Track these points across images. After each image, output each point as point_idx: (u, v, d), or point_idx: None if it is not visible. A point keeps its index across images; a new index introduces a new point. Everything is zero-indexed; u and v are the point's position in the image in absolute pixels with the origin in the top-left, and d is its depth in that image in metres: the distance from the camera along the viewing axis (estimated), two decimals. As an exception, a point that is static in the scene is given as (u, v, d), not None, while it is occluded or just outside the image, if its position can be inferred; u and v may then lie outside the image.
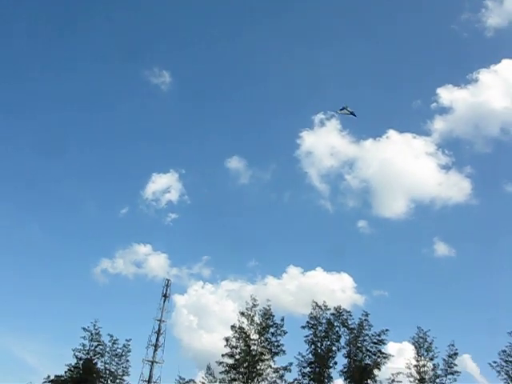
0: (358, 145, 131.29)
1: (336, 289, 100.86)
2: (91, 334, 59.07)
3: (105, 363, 58.79)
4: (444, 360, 52.74)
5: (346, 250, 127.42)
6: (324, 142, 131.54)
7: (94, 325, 59.34)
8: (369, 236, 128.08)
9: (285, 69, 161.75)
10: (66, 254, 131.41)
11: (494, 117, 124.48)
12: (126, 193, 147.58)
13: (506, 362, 50.81)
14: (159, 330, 79.20)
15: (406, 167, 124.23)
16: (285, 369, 55.85)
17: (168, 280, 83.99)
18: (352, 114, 57.58)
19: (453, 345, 53.39)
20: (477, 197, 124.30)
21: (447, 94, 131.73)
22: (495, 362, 51.55)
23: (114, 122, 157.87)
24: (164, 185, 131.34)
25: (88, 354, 58.51)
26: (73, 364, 58.76)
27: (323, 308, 58.22)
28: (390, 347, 57.96)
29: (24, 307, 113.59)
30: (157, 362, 78.09)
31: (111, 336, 59.70)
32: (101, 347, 58.91)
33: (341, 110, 56.40)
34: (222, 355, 56.59)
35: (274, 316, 58.24)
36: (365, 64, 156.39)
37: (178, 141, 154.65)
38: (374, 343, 55.43)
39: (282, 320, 58.41)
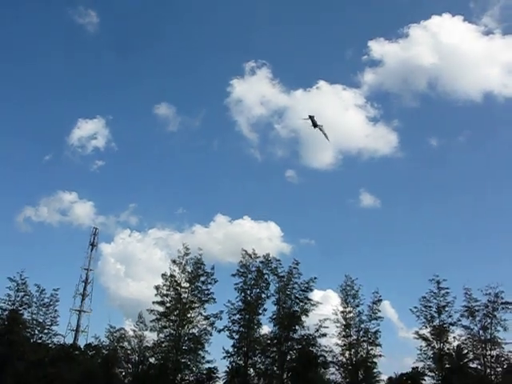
0: (288, 94, 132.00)
1: (263, 237, 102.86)
2: (17, 284, 57.50)
3: (32, 313, 57.58)
4: (368, 306, 55.01)
5: (273, 199, 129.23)
6: (254, 91, 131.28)
7: (21, 275, 57.75)
8: (296, 186, 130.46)
9: (217, 14, 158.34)
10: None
11: (422, 72, 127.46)
12: (51, 139, 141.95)
13: (425, 307, 53.64)
14: (87, 279, 78.46)
15: (335, 118, 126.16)
16: (215, 316, 56.57)
17: (95, 228, 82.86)
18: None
19: (377, 292, 55.68)
20: (403, 149, 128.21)
21: (378, 47, 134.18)
22: (416, 307, 54.40)
23: (37, 65, 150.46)
24: (90, 131, 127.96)
25: (14, 304, 57.12)
26: (-3, 315, 57.23)
27: (253, 256, 58.79)
28: (315, 295, 59.72)
29: None
30: (84, 312, 77.84)
31: (38, 286, 58.45)
32: (27, 297, 57.58)
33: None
34: (153, 303, 56.71)
35: (205, 265, 58.76)
36: (297, 13, 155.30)
37: (105, 86, 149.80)
38: (303, 291, 56.86)
39: (213, 268, 59.07)
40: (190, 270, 58.17)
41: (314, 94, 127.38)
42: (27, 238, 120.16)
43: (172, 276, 57.60)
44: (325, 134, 52.82)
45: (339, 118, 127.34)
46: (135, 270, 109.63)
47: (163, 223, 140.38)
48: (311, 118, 51.66)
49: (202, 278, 58.10)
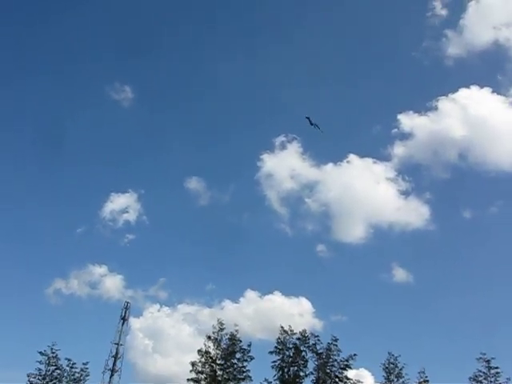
0: (318, 168, 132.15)
1: (294, 313, 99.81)
2: (48, 357, 56.07)
3: (62, 389, 55.92)
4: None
5: (304, 275, 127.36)
6: (284, 165, 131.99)
7: (52, 348, 56.26)
8: (328, 260, 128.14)
9: (246, 90, 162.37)
10: (18, 274, 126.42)
11: (452, 144, 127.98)
12: (83, 212, 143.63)
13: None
14: (117, 353, 76.27)
15: (366, 192, 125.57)
16: (252, 395, 54.57)
17: (127, 302, 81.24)
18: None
19: (423, 372, 53.17)
20: (435, 222, 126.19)
21: (407, 120, 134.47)
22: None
23: (72, 139, 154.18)
24: (122, 205, 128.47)
25: (44, 379, 55.34)
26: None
27: (289, 333, 57.22)
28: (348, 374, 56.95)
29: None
30: (113, 388, 75.18)
31: (69, 360, 56.76)
32: (58, 372, 55.98)
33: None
34: (188, 380, 55.02)
35: (241, 341, 57.11)
36: (327, 88, 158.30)
37: (137, 160, 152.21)
38: (342, 369, 54.75)
39: (249, 345, 57.38)
40: (225, 347, 56.54)
41: (344, 168, 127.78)
42: (57, 310, 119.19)
43: (207, 352, 56.00)
44: (319, 128, 59.74)
45: (370, 192, 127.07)
46: (163, 346, 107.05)
47: (192, 298, 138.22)
48: (308, 118, 59.22)
49: (238, 355, 56.41)
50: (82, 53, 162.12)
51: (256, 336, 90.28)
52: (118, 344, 76.84)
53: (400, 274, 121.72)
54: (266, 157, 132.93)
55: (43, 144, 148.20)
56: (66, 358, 56.72)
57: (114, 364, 75.66)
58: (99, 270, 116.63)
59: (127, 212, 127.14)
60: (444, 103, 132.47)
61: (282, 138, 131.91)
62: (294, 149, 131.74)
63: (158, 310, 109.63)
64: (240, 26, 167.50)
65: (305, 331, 57.62)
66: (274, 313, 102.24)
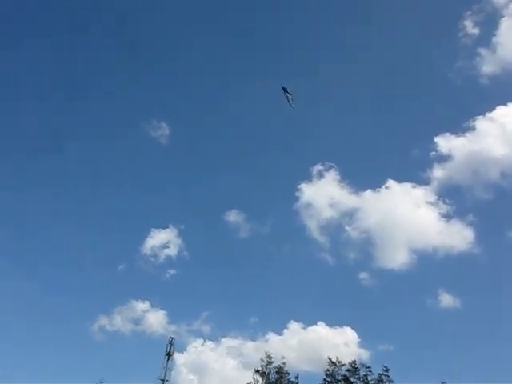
0: (357, 195, 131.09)
1: (339, 343, 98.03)
2: (98, 395, 56.30)
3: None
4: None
5: (348, 304, 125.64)
6: (323, 194, 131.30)
7: (101, 384, 56.67)
8: (371, 288, 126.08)
9: (280, 120, 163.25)
10: (64, 312, 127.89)
11: (493, 163, 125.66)
12: (125, 248, 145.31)
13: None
14: (163, 390, 76.10)
15: (407, 217, 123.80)
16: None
17: (172, 338, 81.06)
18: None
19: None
20: (479, 245, 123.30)
21: (445, 143, 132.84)
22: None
23: (113, 176, 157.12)
24: (163, 240, 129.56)
25: (96, 418, 55.62)
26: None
27: (338, 364, 56.11)
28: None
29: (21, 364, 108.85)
30: (162, 426, 74.64)
31: (118, 397, 56.96)
32: (108, 409, 56.09)
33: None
34: (239, 415, 54.36)
35: (289, 374, 56.33)
36: (362, 113, 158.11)
37: (177, 195, 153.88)
38: (395, 399, 53.41)
39: (297, 377, 56.58)
40: (273, 380, 55.75)
41: (383, 194, 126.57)
42: (102, 346, 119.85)
43: (256, 386, 55.34)
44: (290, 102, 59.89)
45: (411, 216, 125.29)
46: (208, 380, 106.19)
47: (236, 332, 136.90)
48: (284, 89, 59.92)
49: (287, 388, 55.56)
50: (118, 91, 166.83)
51: (301, 368, 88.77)
52: (163, 380, 76.56)
53: (446, 300, 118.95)
54: (304, 186, 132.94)
55: (85, 179, 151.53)
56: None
57: (161, 400, 75.38)
58: (142, 305, 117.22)
59: (168, 247, 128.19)
60: (482, 122, 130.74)
61: (319, 167, 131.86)
62: (331, 177, 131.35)
63: (202, 345, 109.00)
64: (273, 50, 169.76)
65: (354, 362, 56.57)
66: (318, 344, 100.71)
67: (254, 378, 55.97)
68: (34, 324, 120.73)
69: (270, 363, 56.67)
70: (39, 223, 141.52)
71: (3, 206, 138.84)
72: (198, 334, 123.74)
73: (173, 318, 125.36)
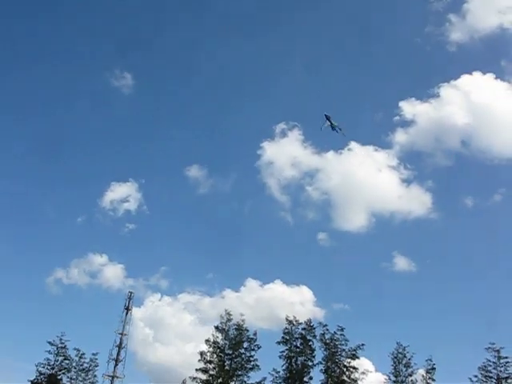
0: (319, 156, 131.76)
1: (295, 302, 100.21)
2: (57, 347, 56.18)
3: (71, 379, 55.94)
4: (422, 376, 52.65)
5: (305, 263, 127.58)
6: (285, 153, 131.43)
7: (60, 339, 56.48)
8: (329, 249, 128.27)
9: (246, 77, 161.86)
10: (20, 262, 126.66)
11: (455, 131, 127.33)
12: (84, 202, 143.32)
13: (485, 377, 50.84)
14: (120, 343, 76.65)
15: (368, 180, 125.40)
16: (259, 384, 54.66)
17: (131, 292, 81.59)
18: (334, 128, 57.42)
19: (430, 359, 53.47)
20: (437, 210, 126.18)
21: (409, 108, 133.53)
22: (476, 377, 51.39)
23: (72, 127, 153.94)
24: (123, 194, 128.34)
25: (53, 368, 55.56)
26: (36, 379, 55.50)
27: (295, 323, 57.28)
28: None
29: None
30: (117, 377, 75.48)
31: (78, 350, 57.09)
32: (67, 362, 56.11)
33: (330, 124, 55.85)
34: (196, 370, 55.18)
35: (248, 331, 57.23)
36: (327, 74, 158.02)
37: (138, 149, 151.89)
38: (350, 358, 54.91)
39: (255, 334, 57.42)
40: (232, 336, 56.68)
41: (345, 156, 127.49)
42: (57, 299, 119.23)
43: (215, 342, 56.13)
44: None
45: (372, 180, 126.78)
46: (164, 335, 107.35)
47: (193, 287, 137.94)
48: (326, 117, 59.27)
49: (245, 345, 56.56)
50: (83, 42, 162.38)
51: (258, 325, 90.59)
52: (121, 334, 77.22)
53: (402, 263, 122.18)
54: (266, 144, 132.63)
55: (44, 132, 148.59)
56: (75, 348, 57.17)
57: (118, 354, 76.13)
58: (100, 259, 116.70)
59: (128, 201, 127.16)
60: (446, 90, 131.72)
61: (282, 126, 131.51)
62: (294, 136, 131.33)
63: (159, 300, 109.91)
64: (240, 10, 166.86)
65: (310, 321, 57.86)
66: (274, 302, 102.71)
67: (213, 335, 56.75)
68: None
69: (229, 320, 57.39)
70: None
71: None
72: (156, 289, 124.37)
73: (130, 272, 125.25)
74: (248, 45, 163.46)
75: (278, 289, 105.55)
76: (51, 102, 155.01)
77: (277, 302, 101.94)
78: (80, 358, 56.75)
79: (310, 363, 55.35)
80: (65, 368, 55.84)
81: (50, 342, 56.00)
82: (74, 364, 56.39)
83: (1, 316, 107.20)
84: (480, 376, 50.96)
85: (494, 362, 50.98)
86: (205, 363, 55.24)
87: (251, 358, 56.05)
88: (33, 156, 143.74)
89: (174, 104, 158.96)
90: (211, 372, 54.99)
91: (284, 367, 54.94)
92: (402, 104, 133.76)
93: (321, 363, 54.91)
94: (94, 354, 57.53)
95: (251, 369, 55.70)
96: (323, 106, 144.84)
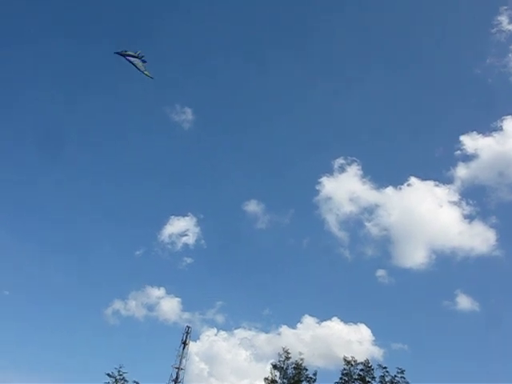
0: (378, 191, 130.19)
1: (353, 340, 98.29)
2: (116, 379, 56.70)
3: (129, 411, 56.38)
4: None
5: (363, 301, 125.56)
6: (344, 188, 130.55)
7: (119, 370, 56.80)
8: (388, 286, 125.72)
9: (304, 112, 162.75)
10: (80, 294, 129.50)
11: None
12: (143, 235, 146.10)
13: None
14: (177, 377, 76.85)
15: (428, 216, 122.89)
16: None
17: (189, 327, 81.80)
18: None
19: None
20: (501, 248, 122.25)
21: (471, 142, 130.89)
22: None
23: (135, 161, 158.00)
24: (182, 228, 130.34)
25: (111, 400, 56.14)
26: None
27: (353, 363, 56.41)
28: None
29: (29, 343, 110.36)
30: (175, 412, 75.53)
31: (137, 383, 57.50)
32: (125, 394, 56.62)
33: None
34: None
35: (307, 370, 56.72)
36: (387, 109, 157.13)
37: (198, 184, 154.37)
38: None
39: (315, 374, 56.83)
40: (290, 375, 56.23)
41: (405, 191, 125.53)
42: (115, 331, 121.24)
43: (274, 381, 55.80)
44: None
45: (432, 216, 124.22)
46: (219, 370, 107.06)
47: (249, 323, 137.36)
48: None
49: (304, 384, 56.01)
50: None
51: (314, 363, 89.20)
52: (178, 368, 77.44)
53: (464, 302, 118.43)
54: (325, 180, 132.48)
55: (104, 166, 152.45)
56: (135, 381, 57.33)
57: (175, 387, 76.21)
58: (157, 292, 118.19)
59: (186, 235, 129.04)
60: (510, 123, 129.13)
61: (341, 161, 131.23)
62: (353, 171, 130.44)
63: (215, 334, 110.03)
64: (300, 48, 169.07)
65: (368, 361, 57.06)
66: (332, 339, 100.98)
67: (271, 373, 56.49)
68: (50, 307, 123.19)
69: (287, 358, 57.06)
70: (59, 210, 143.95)
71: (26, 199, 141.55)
72: (212, 324, 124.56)
73: (187, 306, 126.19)
74: (306, 86, 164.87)
75: (335, 326, 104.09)
76: (111, 139, 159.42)
77: (334, 340, 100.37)
78: (138, 390, 57.10)
79: (369, 405, 54.47)
80: (123, 400, 56.29)
81: (108, 374, 56.42)
82: (132, 397, 56.78)
83: (61, 347, 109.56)
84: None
85: None
86: (264, 403, 55.03)
87: (309, 397, 55.55)
88: (97, 190, 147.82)
89: (233, 140, 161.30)
90: (269, 410, 54.73)
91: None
92: (463, 138, 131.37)
93: (379, 405, 53.88)
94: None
95: (309, 408, 55.17)
96: (382, 140, 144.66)
